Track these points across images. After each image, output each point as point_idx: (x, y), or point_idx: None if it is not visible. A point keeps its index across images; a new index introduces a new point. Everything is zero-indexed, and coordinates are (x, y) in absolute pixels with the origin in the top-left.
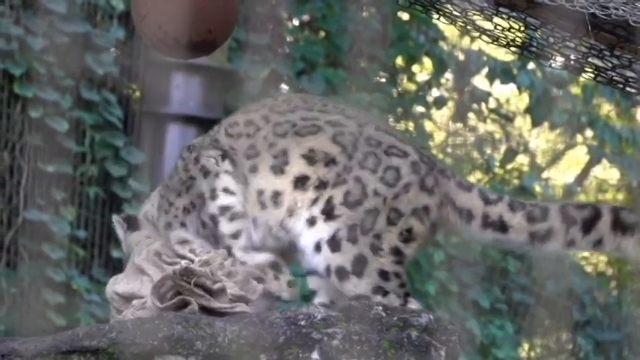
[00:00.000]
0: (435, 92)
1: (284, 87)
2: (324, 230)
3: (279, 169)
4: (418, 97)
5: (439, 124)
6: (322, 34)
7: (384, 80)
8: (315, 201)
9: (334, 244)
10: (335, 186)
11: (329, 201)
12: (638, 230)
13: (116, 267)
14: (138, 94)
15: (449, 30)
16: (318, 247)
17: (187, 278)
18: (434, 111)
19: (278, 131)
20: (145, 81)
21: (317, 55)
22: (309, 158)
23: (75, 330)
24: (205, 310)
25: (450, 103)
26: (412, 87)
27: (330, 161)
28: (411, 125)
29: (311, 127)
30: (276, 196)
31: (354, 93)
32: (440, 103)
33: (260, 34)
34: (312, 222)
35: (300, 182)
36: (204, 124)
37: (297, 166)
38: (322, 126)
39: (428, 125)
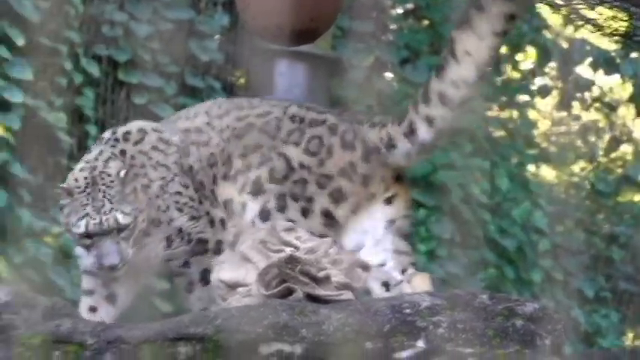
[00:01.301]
0: (538, 81)
1: (388, 75)
2: (253, 208)
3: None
4: (522, 85)
5: (543, 112)
6: (426, 22)
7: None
8: (243, 186)
9: (264, 215)
10: (259, 166)
11: (256, 181)
12: None
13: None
14: (242, 81)
15: (553, 18)
16: (253, 224)
17: (292, 266)
18: (538, 99)
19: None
20: (249, 68)
21: (421, 43)
22: (244, 155)
23: (181, 317)
24: (310, 297)
25: (554, 92)
26: (516, 75)
27: (257, 147)
28: (515, 114)
29: (245, 127)
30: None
31: None
32: (544, 91)
33: (364, 22)
34: (244, 206)
35: (234, 178)
36: None
37: (235, 167)
38: (253, 121)
39: (532, 114)
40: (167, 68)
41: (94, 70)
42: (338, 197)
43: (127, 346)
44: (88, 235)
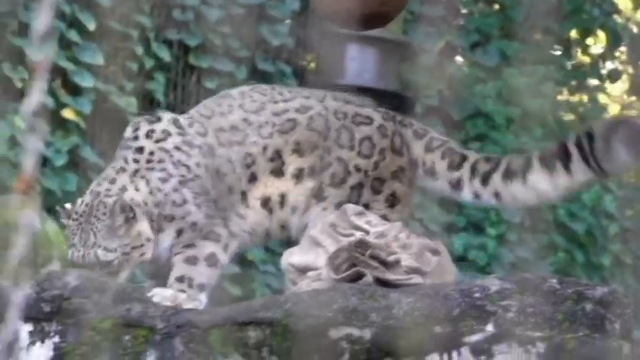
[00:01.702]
0: (609, 65)
1: (458, 59)
2: (314, 212)
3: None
4: (592, 69)
5: (613, 96)
6: (497, 6)
7: (558, 53)
8: (311, 190)
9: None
10: (321, 171)
11: (320, 186)
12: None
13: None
14: (312, 65)
15: (623, 3)
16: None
17: (362, 250)
18: (608, 84)
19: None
20: (320, 52)
21: (491, 27)
22: (298, 152)
23: (251, 301)
24: (380, 281)
25: (625, 77)
26: (586, 60)
27: (312, 147)
28: (585, 98)
29: (287, 122)
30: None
31: (527, 65)
32: (614, 76)
33: (435, 6)
34: (306, 209)
35: (292, 174)
36: (379, 95)
37: (289, 163)
38: (294, 117)
39: (602, 98)
40: (238, 52)
41: (165, 54)
42: (393, 202)
43: (196, 331)
44: (74, 264)
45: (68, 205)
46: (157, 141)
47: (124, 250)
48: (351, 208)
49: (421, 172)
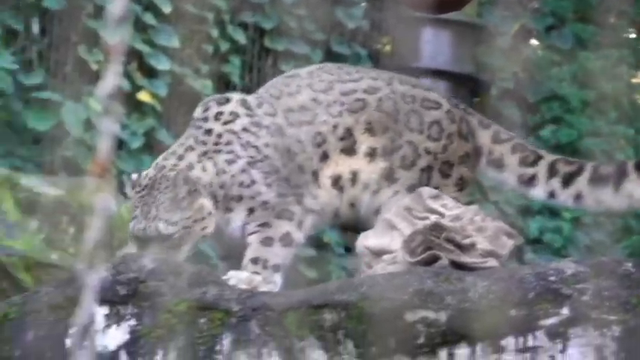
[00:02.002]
0: None
1: (533, 42)
2: (386, 195)
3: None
4: None
5: None
6: None
7: (633, 36)
8: (383, 169)
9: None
10: (392, 152)
11: (391, 167)
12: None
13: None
14: (388, 48)
15: None
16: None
17: (438, 233)
18: None
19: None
20: (395, 35)
21: (566, 10)
22: (370, 132)
23: (326, 284)
24: (455, 264)
25: None
26: None
27: (384, 129)
28: None
29: (356, 102)
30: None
31: (602, 48)
32: None
33: None
34: (378, 190)
35: (370, 155)
36: (454, 78)
37: (362, 142)
38: (363, 97)
39: None
40: (313, 35)
41: (241, 37)
42: (462, 185)
43: (272, 313)
44: (135, 237)
45: (134, 176)
46: (225, 123)
47: (185, 223)
48: (426, 191)
49: (485, 160)
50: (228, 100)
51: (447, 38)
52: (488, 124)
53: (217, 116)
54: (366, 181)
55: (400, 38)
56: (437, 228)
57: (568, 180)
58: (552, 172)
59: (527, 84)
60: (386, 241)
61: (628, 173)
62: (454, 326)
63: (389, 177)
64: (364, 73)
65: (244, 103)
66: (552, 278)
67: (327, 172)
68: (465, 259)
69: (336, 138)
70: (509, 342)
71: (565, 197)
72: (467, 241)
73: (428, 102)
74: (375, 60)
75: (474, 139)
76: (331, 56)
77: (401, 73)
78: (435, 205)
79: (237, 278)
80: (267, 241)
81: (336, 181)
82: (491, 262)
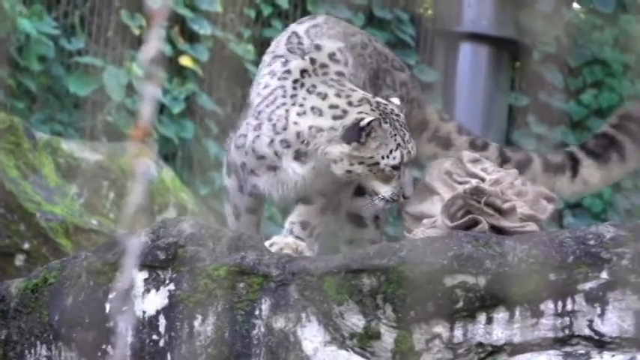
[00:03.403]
0: None
1: (575, 6)
2: None
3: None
4: None
5: None
6: None
7: None
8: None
9: None
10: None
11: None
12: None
13: None
14: (430, 12)
15: None
16: None
17: (477, 197)
18: None
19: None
20: None
21: None
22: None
23: (366, 249)
24: (495, 229)
25: None
26: None
27: (371, 85)
28: None
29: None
30: None
31: None
32: None
33: None
34: None
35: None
36: (496, 42)
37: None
38: (362, 54)
39: None
40: (355, 0)
41: (283, 1)
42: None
43: (311, 278)
44: (399, 166)
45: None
46: None
47: None
48: (466, 155)
49: (427, 136)
50: None
51: (489, 2)
52: (430, 100)
53: None
54: None
55: (442, 2)
56: (477, 192)
57: (522, 167)
58: (504, 158)
59: (569, 48)
60: (426, 205)
61: (580, 160)
62: (493, 291)
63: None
64: (353, 28)
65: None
66: (591, 242)
67: None
68: (505, 223)
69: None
70: (548, 306)
71: None
72: (507, 205)
73: (396, 63)
74: (417, 24)
75: (423, 112)
76: (373, 21)
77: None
78: (476, 169)
79: (284, 243)
80: (324, 210)
81: None
82: (531, 227)
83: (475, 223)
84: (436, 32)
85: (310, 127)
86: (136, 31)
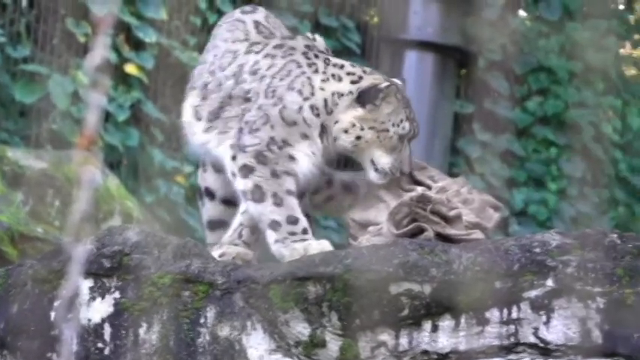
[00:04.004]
0: None
1: (522, 13)
2: None
3: None
4: None
5: None
6: None
7: (621, 7)
8: None
9: None
10: None
11: None
12: None
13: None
14: (376, 19)
15: None
16: None
17: (423, 205)
18: None
19: None
20: (383, 7)
21: None
22: None
23: (311, 256)
24: (441, 236)
25: None
26: None
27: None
28: None
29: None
30: None
31: (590, 19)
32: None
33: None
34: None
35: None
36: (441, 50)
37: None
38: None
39: None
40: (301, 7)
41: (229, 9)
42: None
43: (256, 286)
44: (405, 137)
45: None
46: None
47: None
48: (413, 163)
49: None
50: None
51: (435, 9)
52: None
53: None
54: None
55: (388, 9)
56: (423, 200)
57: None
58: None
59: (515, 55)
60: (372, 213)
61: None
62: (438, 298)
63: None
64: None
65: None
66: (537, 250)
67: None
68: (451, 231)
69: None
70: (494, 314)
71: None
72: (452, 212)
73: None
74: (363, 31)
75: None
76: (319, 28)
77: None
78: (422, 176)
79: (235, 252)
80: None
81: None
82: (477, 235)
83: (421, 230)
84: (382, 40)
85: (333, 94)
86: (82, 39)
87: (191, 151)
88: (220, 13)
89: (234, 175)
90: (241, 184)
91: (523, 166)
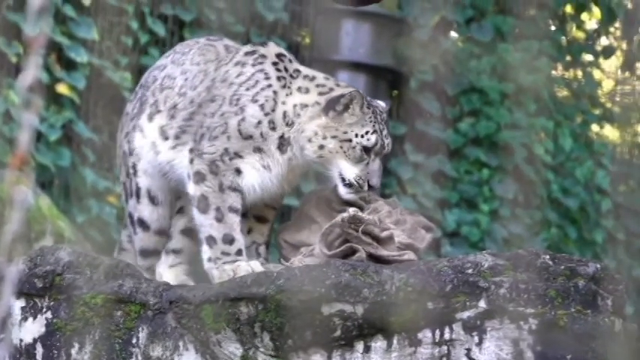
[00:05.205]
0: (603, 41)
1: (453, 34)
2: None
3: None
4: (587, 45)
5: (607, 72)
6: None
7: (553, 28)
8: None
9: None
10: None
11: None
12: None
13: (284, 214)
14: (307, 40)
15: None
16: None
17: (355, 225)
18: (602, 60)
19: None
20: (315, 27)
21: (486, 3)
22: None
23: (243, 277)
24: (373, 257)
25: (619, 52)
26: (581, 35)
27: None
28: (579, 73)
29: None
30: None
31: (522, 41)
32: (608, 52)
33: None
34: None
35: None
36: (373, 70)
37: None
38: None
39: (596, 74)
40: (233, 27)
41: (160, 29)
42: None
43: (188, 306)
44: (371, 150)
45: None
46: None
47: None
48: None
49: None
50: None
51: (366, 30)
52: None
53: None
54: None
55: (320, 30)
56: (354, 220)
57: None
58: None
59: (447, 76)
60: (304, 233)
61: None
62: (371, 319)
63: None
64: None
65: None
66: (469, 271)
67: None
68: (383, 252)
69: None
70: (426, 335)
71: None
72: (384, 233)
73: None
74: (295, 52)
75: None
76: None
77: (320, 65)
78: (353, 198)
79: (254, 268)
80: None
81: None
82: (409, 255)
83: (353, 251)
84: (314, 60)
85: (295, 105)
86: (14, 59)
87: (150, 172)
88: (152, 34)
89: (188, 177)
90: (192, 189)
91: (455, 187)
